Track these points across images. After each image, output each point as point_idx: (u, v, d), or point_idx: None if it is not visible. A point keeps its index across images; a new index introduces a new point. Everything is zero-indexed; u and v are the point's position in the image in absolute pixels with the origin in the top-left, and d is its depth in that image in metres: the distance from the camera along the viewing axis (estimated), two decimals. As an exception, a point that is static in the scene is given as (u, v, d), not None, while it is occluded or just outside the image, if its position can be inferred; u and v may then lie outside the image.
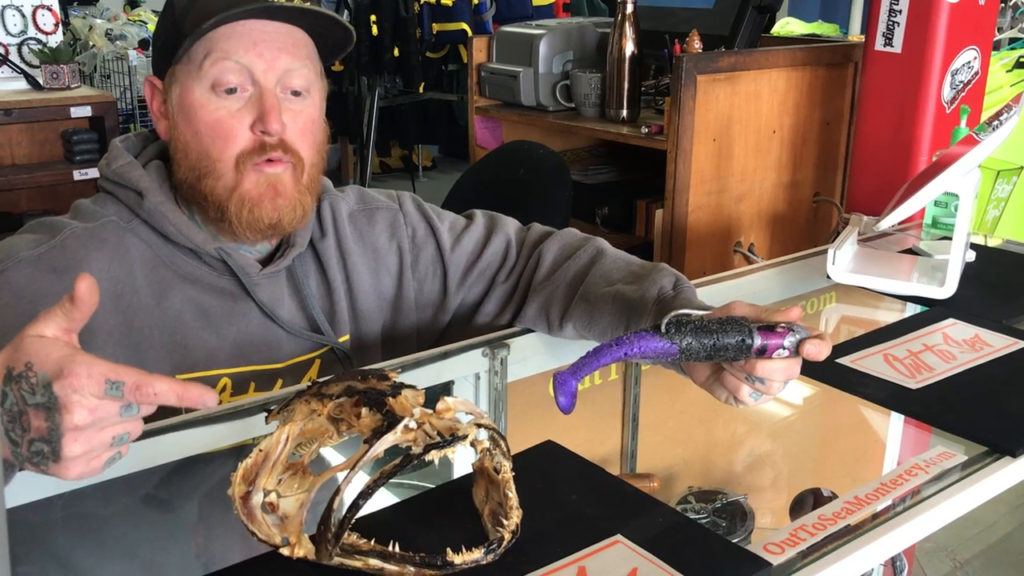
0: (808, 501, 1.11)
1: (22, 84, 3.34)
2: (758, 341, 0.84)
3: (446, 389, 1.15)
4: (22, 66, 3.35)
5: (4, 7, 3.34)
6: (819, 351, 0.85)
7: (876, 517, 0.85)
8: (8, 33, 3.37)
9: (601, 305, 1.10)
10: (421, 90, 4.91)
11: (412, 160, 5.84)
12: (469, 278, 1.24)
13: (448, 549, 0.72)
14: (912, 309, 1.40)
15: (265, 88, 1.01)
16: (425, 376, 1.11)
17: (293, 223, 1.06)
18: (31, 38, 3.39)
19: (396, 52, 4.71)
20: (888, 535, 0.82)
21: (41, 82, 3.30)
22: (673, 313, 0.87)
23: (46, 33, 3.43)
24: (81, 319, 0.73)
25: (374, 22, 4.65)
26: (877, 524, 0.83)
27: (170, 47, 1.03)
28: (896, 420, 1.21)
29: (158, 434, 0.93)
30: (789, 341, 0.85)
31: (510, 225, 1.28)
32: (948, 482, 0.90)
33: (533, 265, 1.22)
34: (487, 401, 1.17)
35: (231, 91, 1.01)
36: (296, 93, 1.04)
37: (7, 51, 3.36)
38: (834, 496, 0.97)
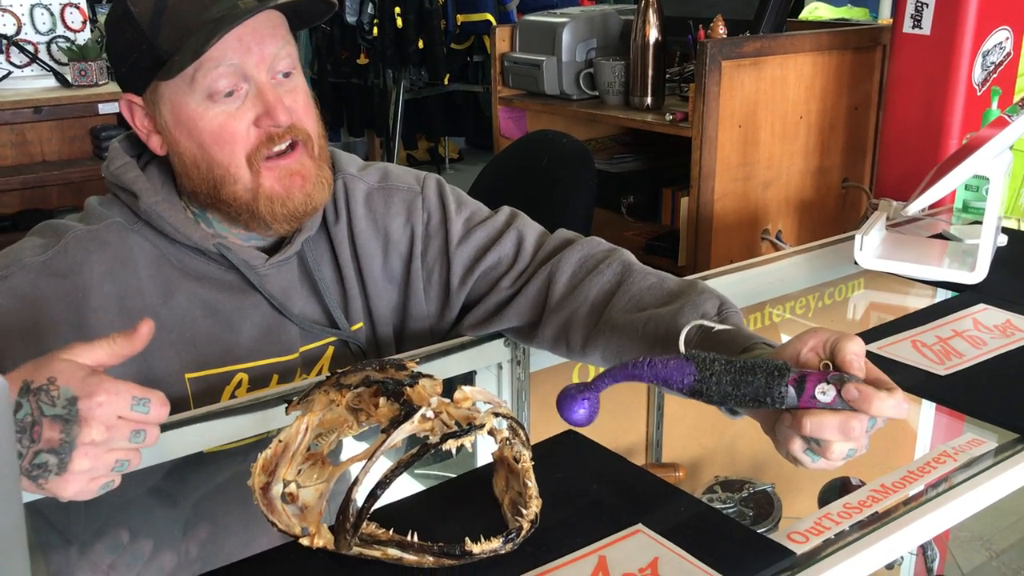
0: (837, 490, 1.09)
1: (51, 82, 3.38)
2: (790, 377, 0.74)
3: (468, 379, 1.15)
4: (51, 64, 3.39)
5: (33, 6, 3.38)
6: (868, 399, 0.73)
7: (903, 505, 0.83)
8: (37, 31, 3.40)
9: (631, 332, 1.00)
10: (447, 82, 4.90)
11: (439, 152, 5.84)
12: (471, 277, 1.15)
13: (467, 538, 0.72)
14: (942, 295, 1.37)
15: (261, 82, 1.00)
16: (447, 366, 1.11)
17: (324, 198, 1.07)
18: (60, 36, 3.42)
19: (421, 44, 4.70)
20: (915, 523, 0.80)
21: (70, 79, 3.33)
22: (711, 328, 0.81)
23: (74, 31, 3.46)
24: (123, 356, 0.78)
25: (399, 14, 4.64)
26: (903, 512, 0.82)
27: (146, 64, 1.00)
28: (927, 407, 1.19)
29: (180, 426, 0.94)
30: (832, 379, 0.74)
31: (530, 227, 1.17)
32: (978, 469, 0.89)
33: (546, 281, 1.11)
34: (509, 391, 1.16)
35: (229, 94, 0.99)
36: (286, 74, 1.03)
37: (36, 49, 3.39)
38: (863, 484, 0.95)
